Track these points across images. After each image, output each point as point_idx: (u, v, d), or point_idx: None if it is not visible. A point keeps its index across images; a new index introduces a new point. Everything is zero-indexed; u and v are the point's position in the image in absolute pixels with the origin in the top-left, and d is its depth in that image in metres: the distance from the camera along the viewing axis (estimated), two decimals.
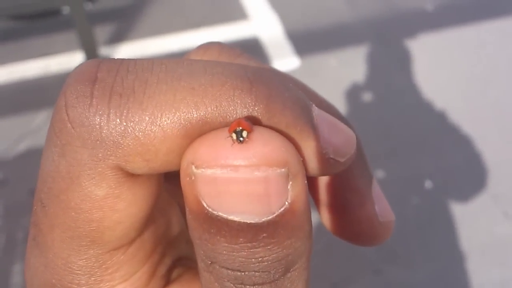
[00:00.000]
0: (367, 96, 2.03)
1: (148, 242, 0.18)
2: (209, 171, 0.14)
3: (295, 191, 0.15)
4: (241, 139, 0.14)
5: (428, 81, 2.06)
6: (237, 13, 2.41)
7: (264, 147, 0.14)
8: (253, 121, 0.15)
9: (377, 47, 2.22)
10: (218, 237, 0.15)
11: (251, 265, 0.15)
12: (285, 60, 2.13)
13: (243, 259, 0.15)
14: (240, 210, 0.14)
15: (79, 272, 0.17)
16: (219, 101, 0.15)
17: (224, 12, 2.42)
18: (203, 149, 0.15)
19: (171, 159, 0.15)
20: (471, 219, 1.61)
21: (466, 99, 1.99)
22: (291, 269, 0.16)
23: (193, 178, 0.15)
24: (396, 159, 1.79)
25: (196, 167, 0.14)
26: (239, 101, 0.15)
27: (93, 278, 0.17)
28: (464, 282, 1.47)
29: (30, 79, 2.04)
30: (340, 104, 1.95)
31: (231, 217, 0.14)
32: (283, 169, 0.14)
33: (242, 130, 0.15)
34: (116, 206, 0.16)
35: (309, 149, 0.16)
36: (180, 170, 0.15)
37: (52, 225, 0.16)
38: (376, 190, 0.22)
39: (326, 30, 2.31)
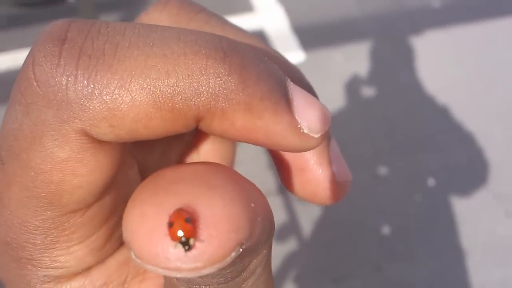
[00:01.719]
0: (371, 92, 2.02)
1: (107, 205, 0.18)
2: (149, 266, 0.14)
3: (250, 242, 0.15)
4: (187, 247, 0.14)
5: (434, 78, 2.06)
6: (243, 6, 2.40)
7: (209, 245, 0.14)
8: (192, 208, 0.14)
9: (383, 43, 2.21)
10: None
11: (206, 277, 0.15)
12: (290, 54, 2.12)
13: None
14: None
15: (35, 232, 0.17)
16: (191, 70, 0.15)
17: (229, 4, 2.41)
18: (140, 241, 0.14)
19: (138, 127, 0.15)
20: (473, 218, 1.61)
21: (471, 97, 1.99)
22: (249, 265, 0.16)
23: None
24: (399, 156, 1.78)
25: (136, 257, 0.14)
26: (212, 71, 0.15)
27: (49, 239, 0.17)
28: (464, 280, 1.47)
29: None
30: (344, 99, 1.95)
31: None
32: (233, 253, 0.14)
33: (187, 239, 0.14)
34: (77, 171, 0.15)
35: (283, 123, 0.16)
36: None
37: (9, 183, 0.16)
38: (335, 151, 0.21)
39: (332, 24, 2.31)
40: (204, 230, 0.14)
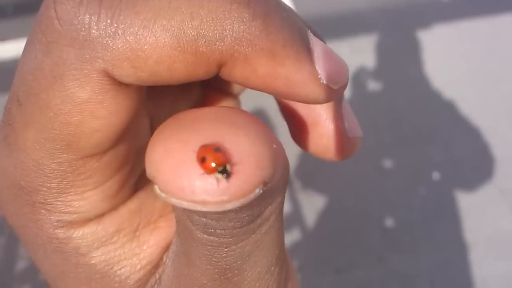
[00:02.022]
0: (378, 85, 2.01)
1: (122, 152, 0.18)
2: (174, 200, 0.14)
3: (271, 182, 0.15)
4: (226, 174, 0.14)
5: (440, 72, 2.05)
6: None
7: (235, 179, 0.14)
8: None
9: (391, 36, 2.20)
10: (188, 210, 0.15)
11: (223, 220, 0.15)
12: None
13: (215, 217, 0.15)
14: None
15: (51, 175, 0.17)
16: (215, 14, 0.15)
17: None
18: (166, 175, 0.14)
19: (160, 70, 0.15)
20: (477, 212, 1.61)
21: (478, 91, 1.98)
22: (264, 212, 0.16)
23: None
24: (404, 149, 1.78)
25: (161, 190, 0.14)
26: (236, 15, 0.15)
27: (64, 182, 0.17)
28: (467, 274, 1.47)
29: None
30: (350, 92, 1.95)
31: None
32: (257, 190, 0.14)
33: (224, 166, 0.14)
34: (97, 113, 0.15)
35: (304, 72, 0.16)
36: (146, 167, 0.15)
37: (27, 124, 0.16)
38: (346, 107, 0.21)
39: (339, 16, 2.30)
40: (230, 166, 0.14)
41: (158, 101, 0.22)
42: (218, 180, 0.14)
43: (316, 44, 0.16)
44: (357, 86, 1.98)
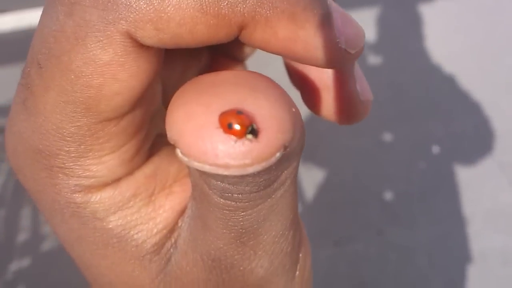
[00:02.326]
0: (379, 58, 2.00)
1: (138, 117, 0.18)
2: (196, 164, 0.14)
3: (290, 146, 0.15)
4: (254, 134, 0.14)
5: (442, 45, 2.03)
6: None
7: (257, 143, 0.14)
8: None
9: (392, 9, 2.18)
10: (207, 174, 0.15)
11: (240, 184, 0.15)
12: None
13: (233, 181, 0.15)
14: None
15: (70, 139, 0.17)
16: None
17: None
18: (189, 138, 0.14)
19: (182, 32, 0.15)
20: (476, 186, 1.62)
21: (479, 65, 1.97)
22: (281, 176, 0.16)
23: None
24: (405, 123, 1.78)
25: (183, 154, 0.14)
26: None
27: (83, 146, 0.17)
28: (465, 247, 1.49)
29: None
30: None
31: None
32: (278, 154, 0.14)
33: (251, 126, 0.14)
34: (118, 75, 0.15)
35: (323, 35, 0.16)
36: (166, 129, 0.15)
37: (47, 87, 0.16)
38: (358, 70, 0.21)
39: None
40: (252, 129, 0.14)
41: (170, 67, 0.22)
42: (243, 142, 0.14)
43: (334, 8, 0.16)
44: (358, 59, 1.96)
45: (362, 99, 0.21)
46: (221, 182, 0.15)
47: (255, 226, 0.17)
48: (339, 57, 0.16)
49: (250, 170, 0.14)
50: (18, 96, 0.17)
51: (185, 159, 0.14)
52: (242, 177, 0.15)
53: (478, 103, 1.84)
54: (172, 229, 0.19)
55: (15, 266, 1.38)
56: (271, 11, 0.15)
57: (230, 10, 0.15)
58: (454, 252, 1.48)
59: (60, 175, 0.17)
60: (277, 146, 0.14)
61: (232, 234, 0.17)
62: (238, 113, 0.14)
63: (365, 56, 2.00)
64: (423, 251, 1.48)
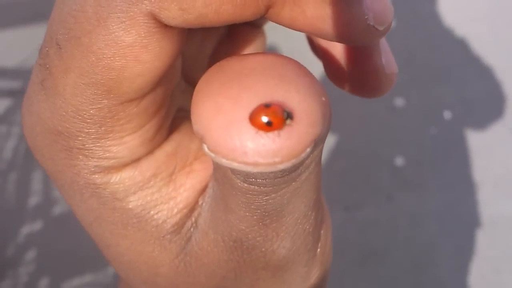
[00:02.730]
0: None
1: (159, 96, 0.17)
2: (224, 161, 0.14)
3: (320, 138, 0.15)
4: (289, 119, 0.13)
5: (454, 9, 2.00)
6: None
7: (287, 140, 0.13)
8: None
9: None
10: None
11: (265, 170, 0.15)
12: None
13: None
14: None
15: (90, 121, 0.16)
16: None
17: None
18: (216, 134, 0.14)
19: (207, 12, 0.14)
20: (487, 152, 1.61)
21: (492, 30, 1.94)
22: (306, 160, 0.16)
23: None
24: (417, 88, 1.76)
25: (210, 150, 0.14)
26: None
27: (103, 128, 0.16)
28: (475, 213, 1.49)
29: None
30: None
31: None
32: (308, 149, 0.14)
33: (287, 112, 0.13)
34: (141, 57, 0.15)
35: (352, 12, 0.15)
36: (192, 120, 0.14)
37: (67, 68, 0.15)
38: (383, 42, 0.21)
39: None
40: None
41: (189, 37, 0.21)
42: (273, 140, 0.13)
43: None
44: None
45: (387, 72, 0.21)
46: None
47: (278, 209, 0.17)
48: (368, 34, 0.16)
49: (280, 167, 0.14)
50: (36, 76, 0.17)
51: (212, 155, 0.14)
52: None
53: (490, 68, 1.82)
54: (192, 208, 0.19)
55: (26, 229, 1.39)
56: None
57: None
58: (464, 218, 1.49)
59: (80, 156, 0.17)
60: (307, 141, 0.14)
61: (255, 217, 0.17)
62: (267, 106, 0.13)
63: None
64: (433, 217, 1.49)
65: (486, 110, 1.74)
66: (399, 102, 1.74)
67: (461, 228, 1.47)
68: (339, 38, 0.16)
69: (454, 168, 1.59)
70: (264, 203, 0.16)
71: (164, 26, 0.15)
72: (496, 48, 1.87)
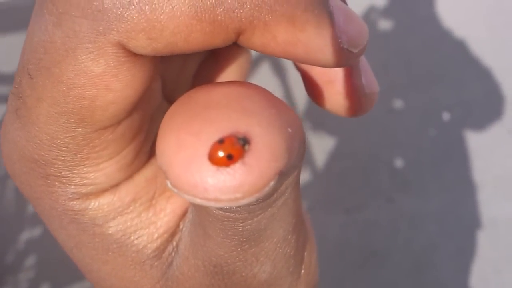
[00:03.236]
0: (388, 24, 1.98)
1: (136, 120, 0.17)
2: (186, 196, 0.13)
3: (287, 169, 0.14)
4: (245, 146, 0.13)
5: (452, 11, 2.00)
6: None
7: (249, 175, 0.13)
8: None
9: None
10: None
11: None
12: None
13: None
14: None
15: (65, 148, 0.16)
16: None
17: None
18: (178, 170, 0.13)
19: (177, 41, 0.14)
20: (486, 153, 1.61)
21: (490, 31, 1.94)
22: (281, 186, 0.16)
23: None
24: (415, 90, 1.76)
25: (172, 186, 0.14)
26: None
27: (79, 156, 0.16)
28: (475, 214, 1.49)
29: None
30: None
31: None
32: (272, 183, 0.14)
33: (230, 155, 0.13)
34: (112, 86, 0.15)
35: (325, 37, 0.15)
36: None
37: (39, 98, 0.15)
38: (363, 61, 0.21)
39: None
40: (244, 160, 0.13)
41: (169, 61, 0.21)
42: (234, 176, 0.13)
43: (336, 6, 0.16)
44: (367, 26, 1.94)
45: (368, 92, 0.20)
46: None
47: (256, 235, 0.17)
48: (342, 57, 0.16)
49: (243, 202, 0.13)
50: (10, 104, 0.17)
51: (175, 190, 0.14)
52: None
53: (489, 69, 1.82)
54: (173, 233, 0.19)
55: (26, 235, 1.38)
56: (269, 15, 0.14)
57: (227, 16, 0.14)
58: (464, 219, 1.49)
59: (56, 183, 0.17)
60: (270, 176, 0.13)
61: (233, 243, 0.17)
62: (221, 142, 0.13)
63: (375, 22, 1.97)
64: (433, 219, 1.48)
65: (485, 112, 1.74)
66: (398, 104, 1.74)
67: (461, 229, 1.47)
68: (313, 63, 0.16)
69: (454, 169, 1.59)
70: (241, 229, 0.16)
71: (134, 55, 0.15)
72: (494, 49, 1.88)
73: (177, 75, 0.22)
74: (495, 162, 1.60)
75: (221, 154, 0.13)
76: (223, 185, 0.13)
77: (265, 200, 0.15)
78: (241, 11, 0.14)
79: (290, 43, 0.15)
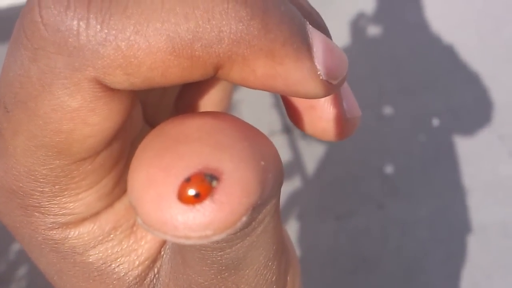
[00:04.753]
0: (378, 31, 1.98)
1: (116, 150, 0.17)
2: (157, 233, 0.13)
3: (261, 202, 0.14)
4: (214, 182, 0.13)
5: (441, 17, 2.01)
6: None
7: (219, 212, 0.13)
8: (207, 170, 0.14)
9: None
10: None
11: None
12: None
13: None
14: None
15: (43, 180, 0.16)
16: (211, 14, 0.13)
17: None
18: (147, 207, 0.13)
19: (154, 76, 0.14)
20: (476, 158, 1.62)
21: (479, 37, 1.95)
22: (258, 216, 0.16)
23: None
24: (405, 96, 1.77)
25: (142, 222, 0.13)
26: (233, 15, 0.14)
27: (57, 187, 0.16)
28: (465, 220, 1.50)
29: None
30: (350, 38, 1.92)
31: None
32: (244, 218, 0.13)
33: (197, 194, 0.13)
34: (89, 120, 0.15)
35: (304, 69, 0.15)
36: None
37: (16, 131, 0.15)
38: (345, 87, 0.21)
39: None
40: (213, 197, 0.13)
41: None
42: (203, 213, 0.13)
43: (315, 38, 0.15)
44: (357, 32, 1.95)
45: (349, 116, 0.20)
46: None
47: (235, 263, 0.16)
48: (321, 89, 0.16)
49: (214, 238, 0.13)
50: None
51: (145, 227, 0.13)
52: None
53: (477, 75, 1.83)
54: (155, 259, 0.19)
55: (17, 246, 1.38)
56: (248, 50, 0.14)
57: (205, 51, 0.14)
58: (455, 225, 1.49)
59: (35, 213, 0.17)
60: (241, 211, 0.13)
61: (212, 271, 0.17)
62: (199, 179, 0.13)
63: (364, 29, 1.97)
64: (424, 225, 1.49)
65: (474, 117, 1.75)
66: (388, 110, 1.74)
67: (451, 235, 1.47)
68: (293, 94, 0.16)
69: (444, 175, 1.60)
70: (220, 258, 0.16)
71: (111, 89, 0.14)
72: (483, 55, 1.89)
73: (159, 99, 0.22)
74: (485, 167, 1.61)
75: (190, 192, 0.13)
76: (193, 222, 0.13)
77: (241, 231, 0.15)
78: (219, 46, 0.14)
79: (269, 76, 0.15)
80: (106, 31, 0.13)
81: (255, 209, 0.14)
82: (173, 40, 0.13)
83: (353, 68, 1.86)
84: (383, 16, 2.02)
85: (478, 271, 1.40)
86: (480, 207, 1.52)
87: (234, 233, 0.14)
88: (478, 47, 1.91)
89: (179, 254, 0.17)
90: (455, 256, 1.43)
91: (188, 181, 0.13)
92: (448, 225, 1.49)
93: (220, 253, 0.16)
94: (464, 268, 1.40)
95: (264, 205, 0.15)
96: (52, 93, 0.14)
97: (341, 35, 1.91)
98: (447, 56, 1.90)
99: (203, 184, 0.13)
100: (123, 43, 0.13)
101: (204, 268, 0.16)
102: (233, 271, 0.17)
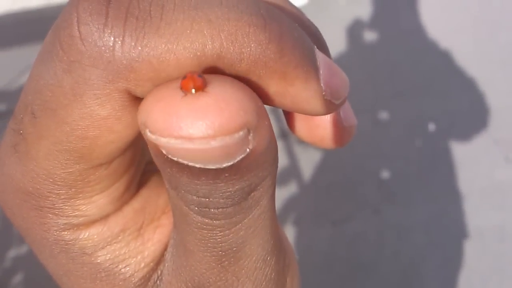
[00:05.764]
0: (374, 37, 1.99)
1: (129, 156, 0.18)
2: (163, 140, 0.14)
3: (256, 139, 0.15)
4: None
5: (437, 23, 2.02)
6: None
7: (219, 115, 0.14)
8: (210, 71, 0.15)
9: None
10: (180, 174, 0.15)
11: (214, 195, 0.15)
12: None
13: (206, 190, 0.15)
14: (200, 163, 0.14)
15: (61, 183, 0.17)
16: (235, 36, 0.15)
17: None
18: (156, 115, 0.14)
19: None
20: (472, 163, 1.62)
21: (474, 42, 1.96)
22: (255, 190, 0.16)
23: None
24: (401, 101, 1.78)
25: (150, 132, 0.14)
26: (253, 38, 0.15)
27: (73, 189, 0.17)
28: (461, 225, 1.50)
29: (33, 9, 2.00)
30: (346, 44, 1.92)
31: (191, 164, 0.14)
32: (241, 132, 0.14)
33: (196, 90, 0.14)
34: (115, 127, 0.16)
35: (311, 90, 0.16)
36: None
37: (41, 136, 0.16)
38: None
39: None
40: (214, 102, 0.14)
41: None
42: (206, 114, 0.14)
43: (322, 61, 0.17)
44: (353, 38, 1.96)
45: (346, 125, 0.22)
46: (196, 195, 0.15)
47: (234, 249, 0.17)
48: (325, 108, 0.17)
49: (214, 144, 0.14)
50: (9, 139, 0.17)
51: (153, 137, 0.14)
52: (215, 184, 0.15)
53: (473, 80, 1.84)
54: (159, 262, 0.20)
55: (13, 253, 1.38)
56: (264, 70, 0.15)
57: (226, 68, 0.15)
58: (451, 229, 1.50)
59: (49, 215, 0.18)
60: (239, 122, 0.14)
61: (213, 257, 0.17)
62: (199, 77, 0.14)
63: (360, 35, 1.98)
64: (420, 229, 1.49)
65: (470, 122, 1.75)
66: (384, 115, 1.75)
67: (448, 240, 1.47)
68: (298, 111, 0.17)
69: (440, 179, 1.60)
70: (220, 240, 0.17)
71: (136, 98, 0.16)
72: (478, 60, 1.90)
73: None
74: (481, 171, 1.61)
75: (194, 87, 0.14)
76: (196, 121, 0.14)
77: (239, 193, 0.16)
78: (239, 65, 0.15)
79: (279, 94, 0.16)
80: (139, 48, 0.14)
81: (252, 163, 0.15)
82: (199, 57, 0.15)
83: (349, 73, 1.84)
84: (378, 22, 2.03)
85: (474, 275, 1.40)
86: (476, 211, 1.52)
87: (234, 166, 0.15)
88: (473, 52, 1.92)
89: (181, 243, 0.18)
90: (452, 260, 1.43)
91: (185, 78, 0.14)
92: (445, 230, 1.49)
93: (220, 234, 0.16)
94: (461, 273, 1.40)
95: (260, 168, 0.16)
96: (83, 102, 0.15)
97: (337, 41, 1.92)
98: (443, 61, 1.91)
99: (199, 79, 0.14)
100: (155, 60, 0.15)
101: (205, 253, 0.17)
102: (232, 259, 0.17)
